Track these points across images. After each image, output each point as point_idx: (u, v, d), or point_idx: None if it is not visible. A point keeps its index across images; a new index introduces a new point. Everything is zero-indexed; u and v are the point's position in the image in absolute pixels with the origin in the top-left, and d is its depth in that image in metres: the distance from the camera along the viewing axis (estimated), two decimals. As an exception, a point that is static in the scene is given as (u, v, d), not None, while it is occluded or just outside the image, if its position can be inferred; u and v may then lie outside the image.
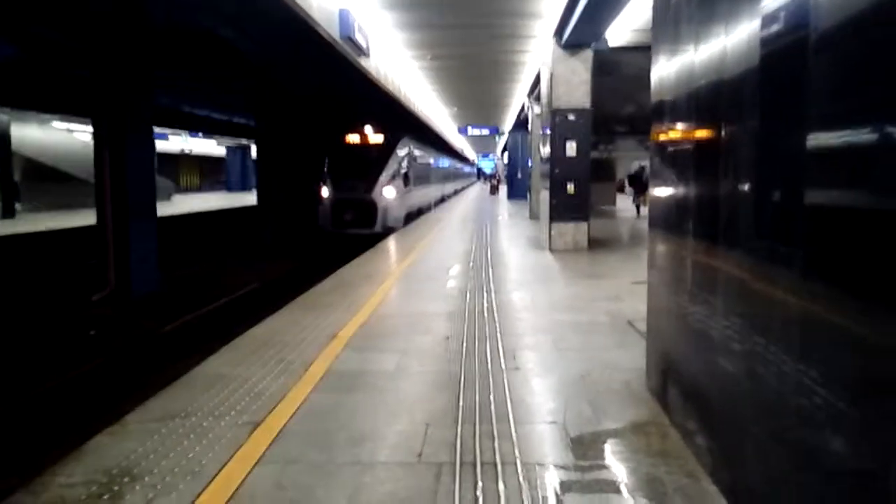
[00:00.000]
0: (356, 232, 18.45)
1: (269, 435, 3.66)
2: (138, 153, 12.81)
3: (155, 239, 13.26)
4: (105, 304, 12.02)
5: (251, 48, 13.35)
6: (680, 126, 3.68)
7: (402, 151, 21.04)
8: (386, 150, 20.24)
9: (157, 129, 18.62)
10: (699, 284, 3.32)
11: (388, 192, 19.28)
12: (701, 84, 3.27)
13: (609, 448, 3.49)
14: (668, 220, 3.91)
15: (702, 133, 3.30)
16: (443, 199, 35.42)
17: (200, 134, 39.70)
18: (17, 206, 23.47)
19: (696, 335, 3.33)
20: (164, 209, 19.35)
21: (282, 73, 17.64)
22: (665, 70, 3.92)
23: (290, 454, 3.44)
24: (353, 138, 20.63)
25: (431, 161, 30.05)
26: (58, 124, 26.96)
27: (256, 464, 3.31)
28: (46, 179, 26.40)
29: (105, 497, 3.02)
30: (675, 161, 3.77)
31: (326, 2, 9.14)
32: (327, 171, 19.74)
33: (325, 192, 19.32)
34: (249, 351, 5.38)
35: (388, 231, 17.91)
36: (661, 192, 4.03)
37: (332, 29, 9.50)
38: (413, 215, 22.28)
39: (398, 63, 15.78)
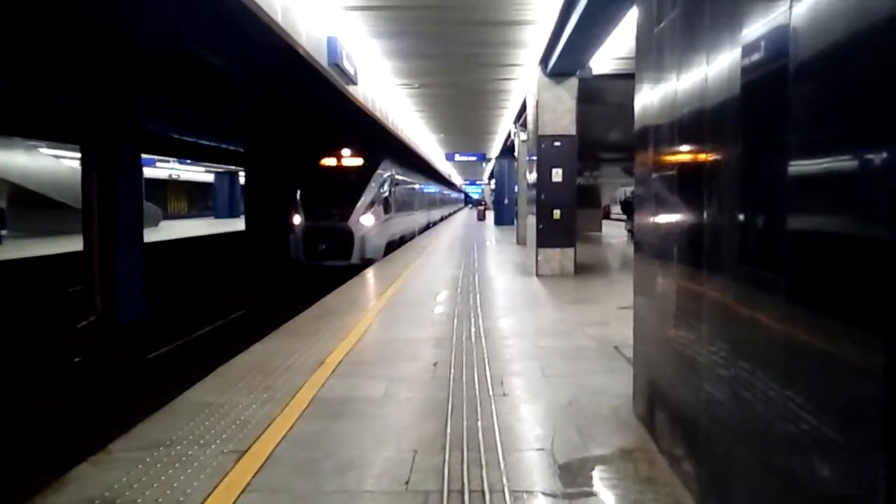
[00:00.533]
0: (331, 265, 16.85)
1: (255, 463, 3.63)
2: (126, 179, 12.77)
3: (141, 265, 13.18)
4: (90, 330, 11.89)
5: (240, 75, 13.43)
6: (663, 152, 3.73)
7: (382, 175, 19.44)
8: (364, 174, 18.69)
9: (145, 156, 18.60)
10: (684, 309, 3.34)
11: (366, 220, 17.58)
12: (684, 112, 3.33)
13: (597, 475, 3.48)
14: (653, 245, 3.94)
15: (684, 159, 3.35)
16: (428, 227, 33.67)
17: (189, 160, 39.69)
18: (3, 232, 23.29)
19: (681, 360, 3.34)
20: (152, 235, 19.26)
21: (270, 100, 17.73)
22: (648, 97, 3.99)
23: (276, 483, 3.40)
24: (328, 161, 19.04)
25: (416, 186, 28.70)
26: (45, 150, 26.87)
27: (242, 492, 3.28)
28: (33, 206, 26.25)
29: (87, 528, 2.98)
30: (659, 187, 3.81)
31: (315, 30, 9.23)
32: (300, 198, 18.07)
33: (296, 219, 17.61)
34: (236, 378, 5.34)
35: (366, 263, 16.19)
36: (646, 217, 4.08)
37: (320, 57, 9.58)
38: (395, 244, 20.54)
39: (386, 90, 15.92)
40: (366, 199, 17.91)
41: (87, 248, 12.62)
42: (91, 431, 6.73)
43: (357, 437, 4.04)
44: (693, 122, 3.22)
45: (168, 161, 39.82)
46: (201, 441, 3.96)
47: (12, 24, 9.91)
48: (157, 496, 3.25)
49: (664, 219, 3.73)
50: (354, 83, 11.54)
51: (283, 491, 3.31)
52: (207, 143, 30.51)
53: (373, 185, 18.42)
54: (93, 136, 12.47)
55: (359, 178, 18.47)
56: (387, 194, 19.48)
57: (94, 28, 10.36)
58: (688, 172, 3.32)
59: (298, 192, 18.28)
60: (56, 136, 21.45)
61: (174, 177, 46.20)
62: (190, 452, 3.79)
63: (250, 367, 5.67)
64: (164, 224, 35.02)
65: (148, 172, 31.37)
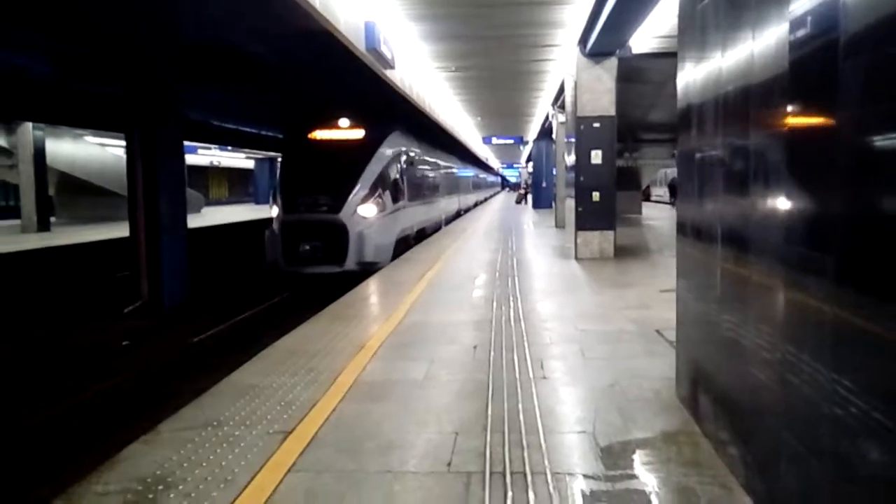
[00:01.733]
0: (317, 272, 12.79)
1: (299, 444, 3.70)
2: (169, 167, 13.03)
3: (185, 251, 13.45)
4: (137, 315, 12.21)
5: (278, 62, 13.52)
6: (707, 132, 3.66)
7: (389, 150, 14.87)
8: (365, 150, 14.27)
9: (187, 143, 18.90)
10: (729, 292, 3.29)
11: (366, 211, 13.27)
12: (728, 90, 3.26)
13: (639, 458, 3.46)
14: (697, 227, 3.89)
15: (729, 138, 3.29)
16: (458, 214, 29.44)
17: (229, 147, 40.23)
18: (52, 219, 23.97)
19: (726, 343, 3.30)
20: (194, 221, 19.62)
21: (308, 86, 17.82)
22: (691, 76, 3.91)
23: (321, 463, 3.47)
24: (316, 134, 14.74)
25: (441, 165, 23.59)
26: (91, 139, 27.50)
27: (288, 472, 3.35)
28: (80, 193, 26.94)
29: (140, 505, 3.08)
30: (703, 167, 3.75)
31: (352, 15, 9.24)
32: (279, 182, 14.26)
33: (273, 211, 13.70)
34: (279, 361, 5.44)
35: (367, 269, 12.32)
36: (689, 198, 4.01)
37: (358, 42, 9.60)
38: (410, 240, 16.47)
39: (423, 74, 15.88)
40: (366, 182, 13.57)
41: (133, 235, 12.94)
42: (140, 412, 6.93)
43: (399, 419, 4.09)
44: (738, 101, 3.15)
45: (209, 148, 40.43)
46: (247, 422, 4.05)
47: (58, 15, 10.14)
48: (206, 475, 3.34)
49: (708, 199, 3.67)
50: (392, 67, 11.54)
51: (327, 471, 3.37)
52: (247, 129, 30.85)
53: (376, 164, 14.10)
54: (137, 124, 12.73)
55: (358, 155, 14.07)
56: (397, 176, 15.17)
57: (138, 18, 10.53)
58: (732, 152, 3.25)
59: (278, 174, 14.67)
60: (101, 125, 21.90)
61: (215, 164, 46.88)
62: (237, 433, 3.88)
63: (293, 350, 5.76)
64: (206, 210, 35.64)
65: (190, 159, 31.88)
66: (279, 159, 15.88)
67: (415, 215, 17.26)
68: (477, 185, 47.89)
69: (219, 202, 50.31)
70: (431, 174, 21.24)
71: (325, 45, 9.55)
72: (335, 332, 6.49)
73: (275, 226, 13.22)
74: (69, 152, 26.04)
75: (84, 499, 3.14)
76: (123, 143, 14.86)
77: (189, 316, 12.12)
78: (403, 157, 15.98)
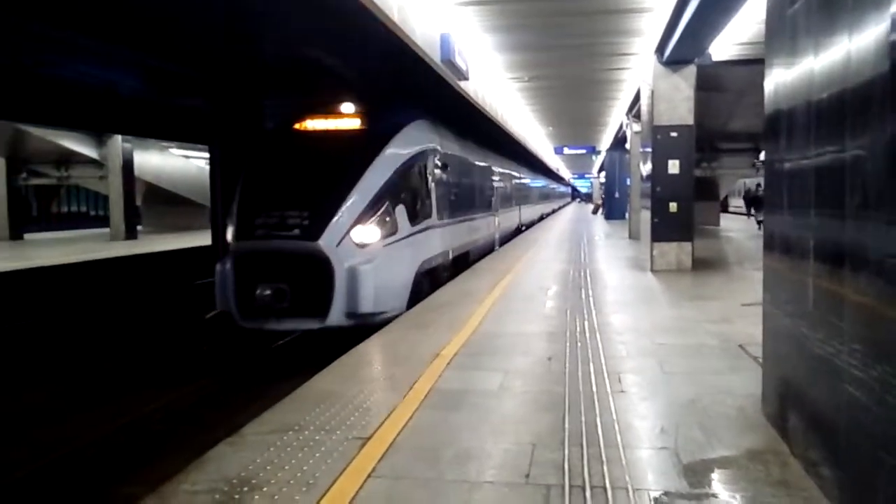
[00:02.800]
0: (283, 329, 8.85)
1: (378, 450, 3.74)
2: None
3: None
4: (217, 321, 12.61)
5: (354, 74, 13.81)
6: (798, 140, 3.53)
7: (406, 148, 10.19)
8: (365, 146, 9.66)
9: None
10: (822, 307, 3.16)
11: (363, 235, 8.77)
12: (822, 96, 3.14)
13: (724, 476, 3.36)
14: (786, 239, 3.75)
15: (823, 146, 3.16)
16: (518, 231, 24.48)
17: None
18: (139, 228, 25.13)
19: (819, 360, 3.16)
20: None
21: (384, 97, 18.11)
22: (781, 82, 3.79)
23: (400, 469, 3.50)
24: (294, 122, 10.31)
25: (494, 169, 18.89)
26: (175, 151, 28.74)
27: (368, 477, 3.39)
28: (165, 203, 28.14)
29: (227, 505, 3.18)
30: (793, 176, 3.62)
31: (428, 27, 9.36)
32: (239, 194, 9.57)
33: (229, 235, 9.33)
34: (356, 367, 5.54)
35: (365, 324, 8.33)
36: (778, 209, 3.88)
37: (433, 54, 9.71)
38: (443, 270, 11.83)
39: (496, 84, 15.92)
40: (364, 193, 9.05)
41: (215, 243, 13.40)
42: (223, 415, 7.15)
43: (475, 428, 4.09)
44: (833, 106, 3.03)
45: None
46: (327, 427, 4.13)
47: (151, 33, 10.65)
48: (289, 477, 3.42)
49: (798, 210, 3.53)
50: (466, 79, 11.62)
51: (406, 478, 3.40)
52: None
53: (383, 167, 9.47)
54: (219, 136, 13.22)
55: (353, 154, 9.54)
56: (419, 185, 10.63)
57: (224, 35, 10.96)
58: (827, 160, 3.13)
59: (239, 182, 9.83)
60: (186, 138, 22.85)
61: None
62: (317, 437, 3.96)
63: (370, 358, 5.86)
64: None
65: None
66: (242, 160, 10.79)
67: (450, 237, 12.29)
68: (545, 196, 45.44)
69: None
70: (479, 182, 16.53)
71: (401, 57, 9.71)
72: (410, 339, 6.56)
73: (225, 260, 8.91)
74: (156, 164, 27.26)
75: (174, 497, 3.26)
76: (206, 155, 15.44)
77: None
78: (431, 159, 11.14)
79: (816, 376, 3.22)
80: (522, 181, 27.83)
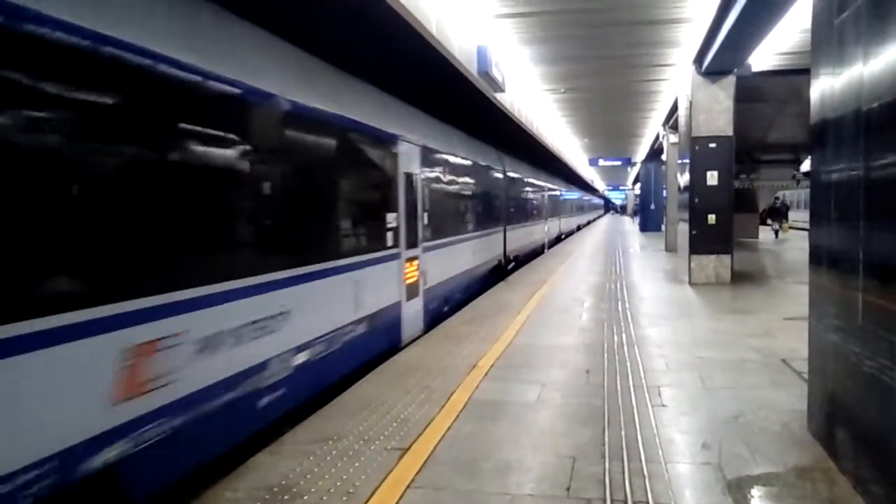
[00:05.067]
0: None
1: (417, 461, 3.74)
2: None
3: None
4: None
5: (390, 88, 13.92)
6: (846, 150, 3.46)
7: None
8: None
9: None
10: (873, 323, 3.08)
11: None
12: (873, 106, 3.08)
13: (770, 493, 3.29)
14: (834, 253, 3.67)
15: (875, 157, 3.09)
16: (536, 254, 19.75)
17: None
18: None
19: (869, 377, 3.08)
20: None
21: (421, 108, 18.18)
22: (828, 92, 3.72)
23: (439, 481, 3.49)
24: None
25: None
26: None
27: (407, 488, 3.39)
28: None
29: (269, 512, 3.21)
30: (841, 188, 3.54)
31: (465, 40, 9.41)
32: None
33: None
34: (395, 377, 5.55)
35: None
36: (824, 222, 3.80)
37: (470, 65, 9.75)
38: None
39: (532, 96, 15.91)
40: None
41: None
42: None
43: (514, 441, 4.06)
44: (885, 115, 2.97)
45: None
46: (366, 437, 4.14)
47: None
48: (328, 487, 3.43)
49: (847, 223, 3.46)
50: (502, 90, 11.63)
51: (446, 489, 3.39)
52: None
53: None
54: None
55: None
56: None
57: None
58: (878, 171, 3.06)
59: None
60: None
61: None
62: (356, 447, 3.97)
63: (407, 369, 5.86)
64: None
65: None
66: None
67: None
68: (580, 208, 44.55)
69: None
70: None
71: (438, 70, 9.77)
72: (447, 351, 6.55)
73: None
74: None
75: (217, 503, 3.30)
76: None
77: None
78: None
79: (866, 393, 3.14)
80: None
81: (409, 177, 7.68)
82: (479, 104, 12.58)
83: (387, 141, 7.12)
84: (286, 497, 3.33)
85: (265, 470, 3.69)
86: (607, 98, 17.08)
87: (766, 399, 4.82)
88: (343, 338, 5.78)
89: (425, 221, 8.33)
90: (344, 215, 6.07)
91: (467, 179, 11.49)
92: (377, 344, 6.67)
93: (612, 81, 14.82)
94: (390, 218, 7.06)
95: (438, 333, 7.60)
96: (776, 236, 25.10)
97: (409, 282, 7.60)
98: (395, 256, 7.20)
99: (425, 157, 8.48)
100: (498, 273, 13.83)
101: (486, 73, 10.09)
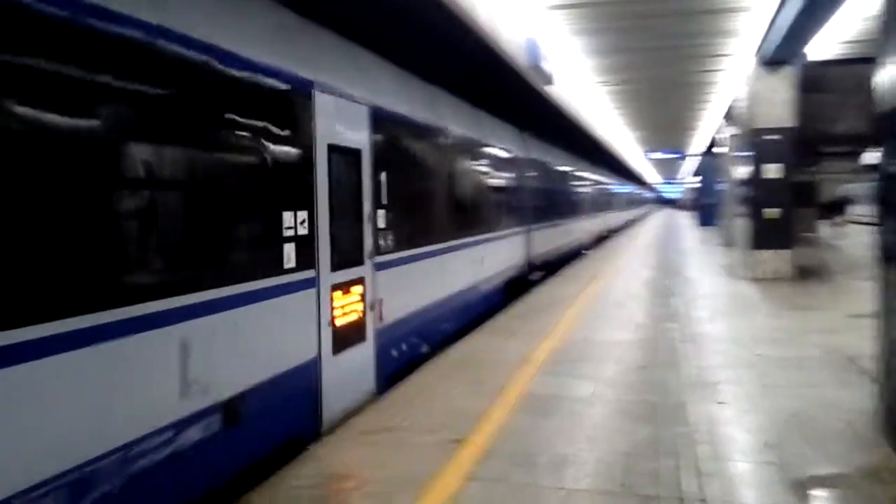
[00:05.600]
0: None
1: (473, 453, 3.77)
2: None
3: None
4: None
5: (439, 80, 13.91)
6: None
7: None
8: None
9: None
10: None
11: None
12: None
13: (839, 494, 3.22)
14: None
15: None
16: (561, 262, 15.44)
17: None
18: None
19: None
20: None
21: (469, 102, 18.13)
22: (898, 83, 3.59)
23: (495, 473, 3.51)
24: None
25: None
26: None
27: (466, 480, 3.42)
28: None
29: (332, 500, 3.28)
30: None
31: (515, 32, 9.35)
32: None
33: None
34: (449, 370, 5.59)
35: None
36: (894, 216, 3.67)
37: (519, 58, 9.69)
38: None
39: (582, 88, 15.71)
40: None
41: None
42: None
43: (568, 435, 4.05)
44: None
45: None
46: (423, 428, 4.19)
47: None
48: (388, 476, 3.49)
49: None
50: (552, 83, 11.53)
51: (502, 481, 3.41)
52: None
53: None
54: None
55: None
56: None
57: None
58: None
59: None
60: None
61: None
62: (414, 438, 4.02)
63: (461, 362, 5.90)
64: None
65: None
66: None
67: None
68: (631, 202, 42.95)
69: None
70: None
71: (488, 62, 9.73)
72: (500, 345, 6.56)
73: None
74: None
75: (280, 490, 3.39)
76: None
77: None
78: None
79: (939, 392, 3.03)
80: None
81: (340, 153, 4.97)
82: (529, 98, 12.47)
83: (283, 89, 4.27)
84: (348, 484, 3.40)
85: (327, 459, 3.77)
86: (662, 90, 16.74)
87: (830, 397, 4.69)
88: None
89: (381, 224, 5.64)
90: (148, 219, 3.10)
91: (467, 164, 8.64)
92: (240, 452, 3.65)
93: (666, 73, 14.52)
94: (288, 219, 4.21)
95: (491, 327, 7.59)
96: (833, 231, 24.40)
97: (340, 322, 4.82)
98: (303, 285, 4.36)
99: (382, 124, 5.74)
100: (517, 286, 10.99)
101: (535, 66, 10.00)
